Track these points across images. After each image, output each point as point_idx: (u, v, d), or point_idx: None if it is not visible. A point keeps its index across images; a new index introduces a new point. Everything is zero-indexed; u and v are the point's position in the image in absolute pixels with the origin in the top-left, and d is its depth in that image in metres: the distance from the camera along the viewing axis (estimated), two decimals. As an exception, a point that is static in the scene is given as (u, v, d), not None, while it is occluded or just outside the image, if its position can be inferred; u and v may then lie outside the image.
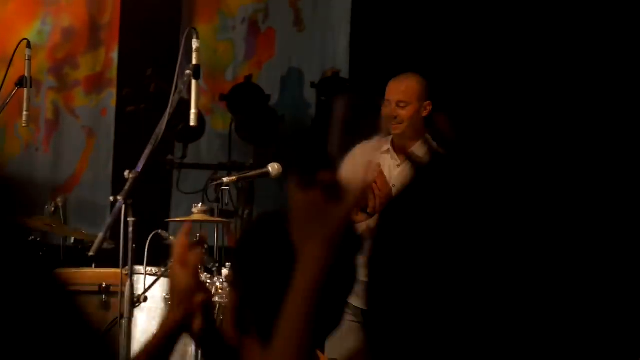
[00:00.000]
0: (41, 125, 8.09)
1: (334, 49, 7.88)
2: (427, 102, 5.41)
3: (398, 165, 5.39)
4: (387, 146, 5.44)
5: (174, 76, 4.57)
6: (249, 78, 7.78)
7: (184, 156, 7.53)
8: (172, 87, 4.58)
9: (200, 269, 3.66)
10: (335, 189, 1.80)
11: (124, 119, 7.96)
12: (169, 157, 7.43)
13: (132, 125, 7.59)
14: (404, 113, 5.37)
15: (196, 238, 2.32)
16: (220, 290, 5.19)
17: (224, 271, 5.33)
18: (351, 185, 1.83)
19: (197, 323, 2.23)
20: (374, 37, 7.55)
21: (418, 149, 5.29)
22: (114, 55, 8.18)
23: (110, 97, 8.15)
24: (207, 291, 2.29)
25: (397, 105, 5.38)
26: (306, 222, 1.79)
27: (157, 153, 4.53)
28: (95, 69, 8.18)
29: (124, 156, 7.13)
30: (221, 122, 7.99)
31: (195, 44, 4.62)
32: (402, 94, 5.39)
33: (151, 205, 5.99)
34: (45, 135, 8.13)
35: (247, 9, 8.12)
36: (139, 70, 7.83)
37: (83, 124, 8.16)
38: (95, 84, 8.16)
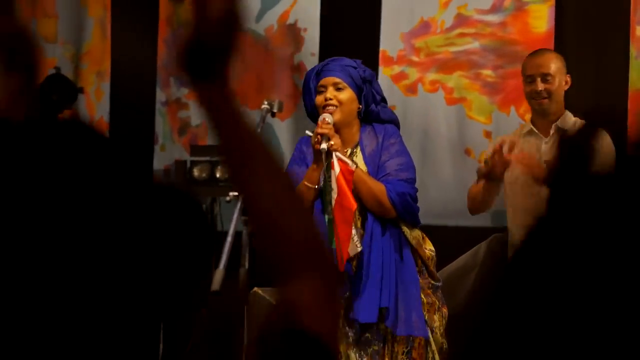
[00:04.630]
0: None
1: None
2: (568, 75, 5.45)
3: (545, 143, 5.41)
4: (529, 127, 5.50)
5: None
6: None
7: None
8: None
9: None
10: None
11: None
12: None
13: None
14: (549, 87, 5.40)
15: None
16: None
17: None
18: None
19: None
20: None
21: (563, 123, 5.38)
22: None
23: None
24: None
25: (543, 80, 5.39)
26: None
27: None
28: None
29: None
30: None
31: None
32: (546, 67, 5.39)
33: None
34: None
35: None
36: None
37: None
38: None
